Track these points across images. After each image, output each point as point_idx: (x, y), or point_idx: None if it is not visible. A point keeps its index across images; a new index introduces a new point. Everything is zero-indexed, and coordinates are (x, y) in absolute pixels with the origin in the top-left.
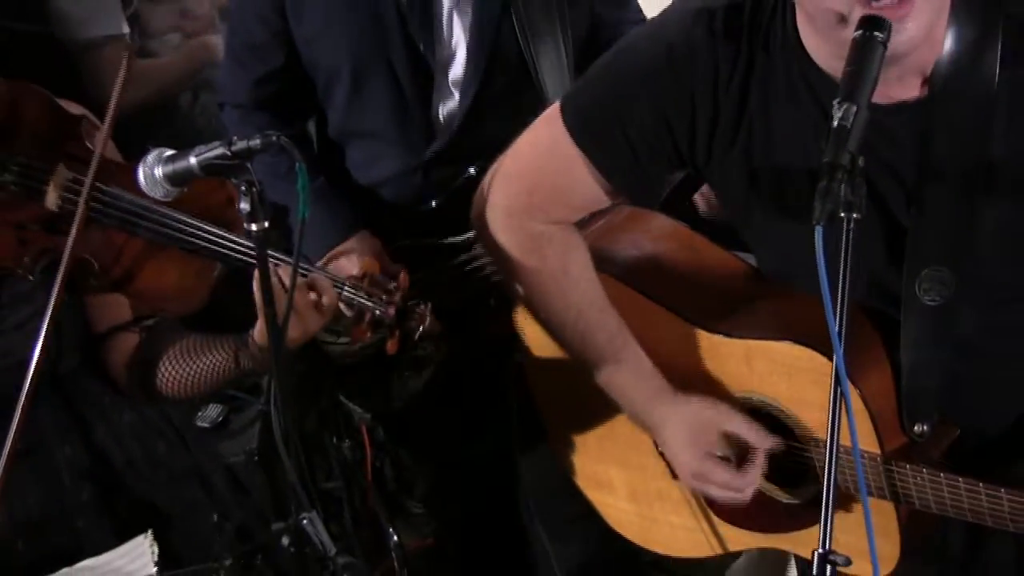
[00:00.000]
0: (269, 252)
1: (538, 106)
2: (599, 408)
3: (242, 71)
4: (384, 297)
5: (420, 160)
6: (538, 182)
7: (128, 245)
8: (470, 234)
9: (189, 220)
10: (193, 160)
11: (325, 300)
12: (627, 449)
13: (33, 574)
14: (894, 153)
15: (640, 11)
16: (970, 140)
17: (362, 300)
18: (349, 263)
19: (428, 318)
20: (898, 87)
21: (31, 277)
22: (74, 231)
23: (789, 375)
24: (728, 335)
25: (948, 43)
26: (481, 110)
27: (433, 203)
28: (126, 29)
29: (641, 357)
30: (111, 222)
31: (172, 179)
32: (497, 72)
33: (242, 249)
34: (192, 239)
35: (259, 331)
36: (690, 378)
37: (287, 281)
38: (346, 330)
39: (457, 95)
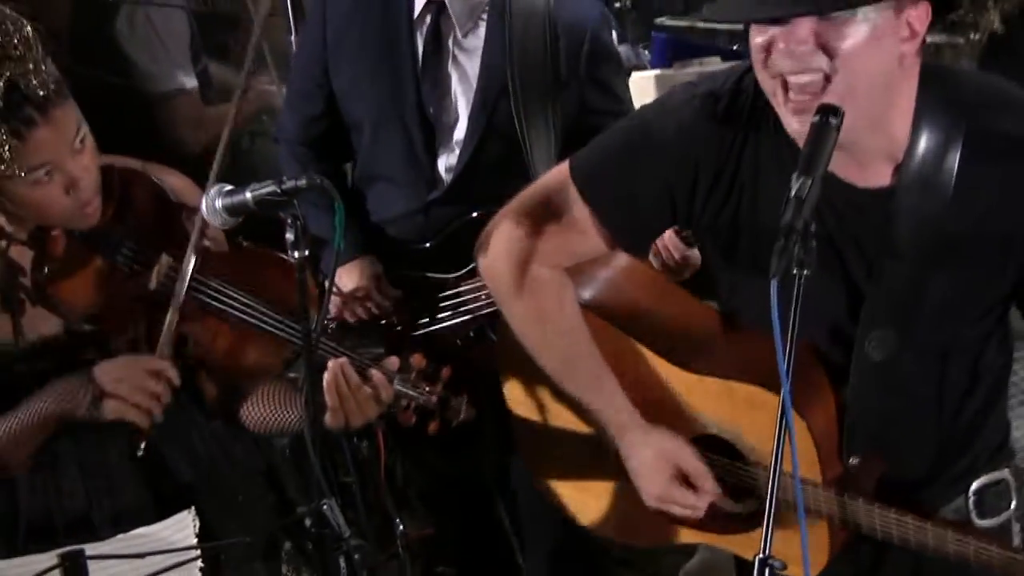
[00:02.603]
0: (334, 346)
1: (526, 171)
2: (566, 419)
3: (293, 113)
4: (428, 388)
5: (423, 203)
6: (542, 230)
7: (217, 327)
8: (459, 273)
9: (267, 307)
10: (248, 195)
11: (383, 394)
12: (590, 455)
13: (101, 536)
14: (862, 229)
15: (628, 102)
16: (927, 227)
17: (409, 392)
18: (349, 278)
19: (464, 409)
20: (872, 174)
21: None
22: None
23: (748, 410)
24: (695, 371)
25: (916, 143)
26: (475, 167)
27: (428, 244)
28: (194, 83)
29: (617, 388)
30: (203, 305)
31: (229, 210)
32: (491, 139)
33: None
34: (268, 325)
35: (329, 418)
36: (658, 407)
37: (351, 377)
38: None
39: (457, 152)
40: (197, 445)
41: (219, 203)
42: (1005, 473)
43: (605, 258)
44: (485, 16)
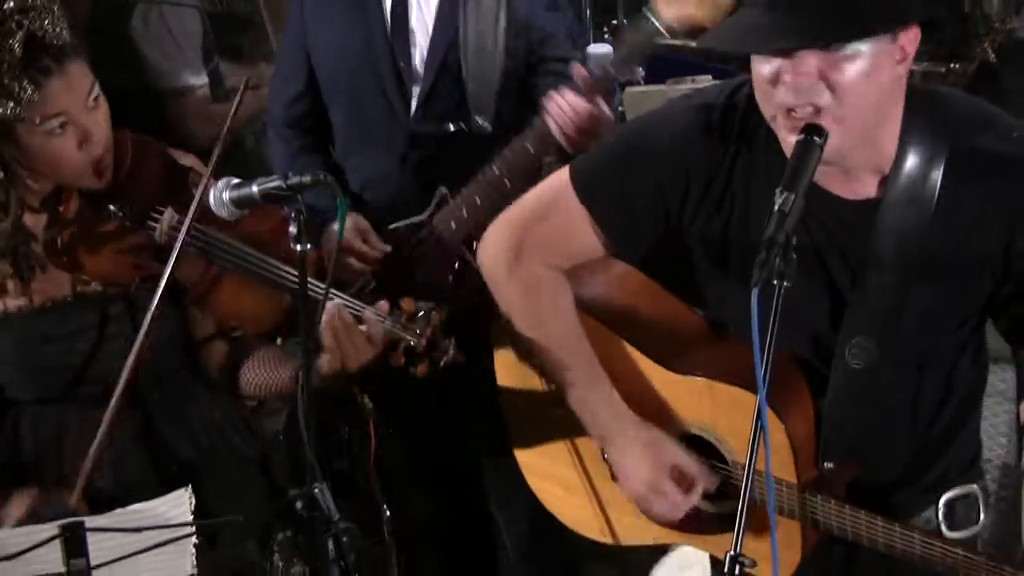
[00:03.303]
0: (332, 291)
1: None
2: (556, 418)
3: (276, 97)
4: (417, 331)
5: (398, 157)
6: (542, 231)
7: (214, 274)
8: (429, 210)
9: (263, 257)
10: (255, 188)
11: (375, 334)
12: (577, 454)
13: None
14: (847, 240)
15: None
16: (910, 239)
17: (399, 333)
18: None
19: (452, 351)
20: (859, 186)
21: (139, 292)
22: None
23: (728, 411)
24: (680, 372)
25: (903, 158)
26: (432, 102)
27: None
28: (204, 80)
29: (610, 385)
30: (202, 254)
31: (236, 202)
32: (444, 78)
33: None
34: (265, 272)
35: (323, 364)
36: (644, 404)
37: (345, 318)
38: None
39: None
40: (197, 430)
41: (226, 195)
42: (975, 488)
43: (599, 262)
44: None
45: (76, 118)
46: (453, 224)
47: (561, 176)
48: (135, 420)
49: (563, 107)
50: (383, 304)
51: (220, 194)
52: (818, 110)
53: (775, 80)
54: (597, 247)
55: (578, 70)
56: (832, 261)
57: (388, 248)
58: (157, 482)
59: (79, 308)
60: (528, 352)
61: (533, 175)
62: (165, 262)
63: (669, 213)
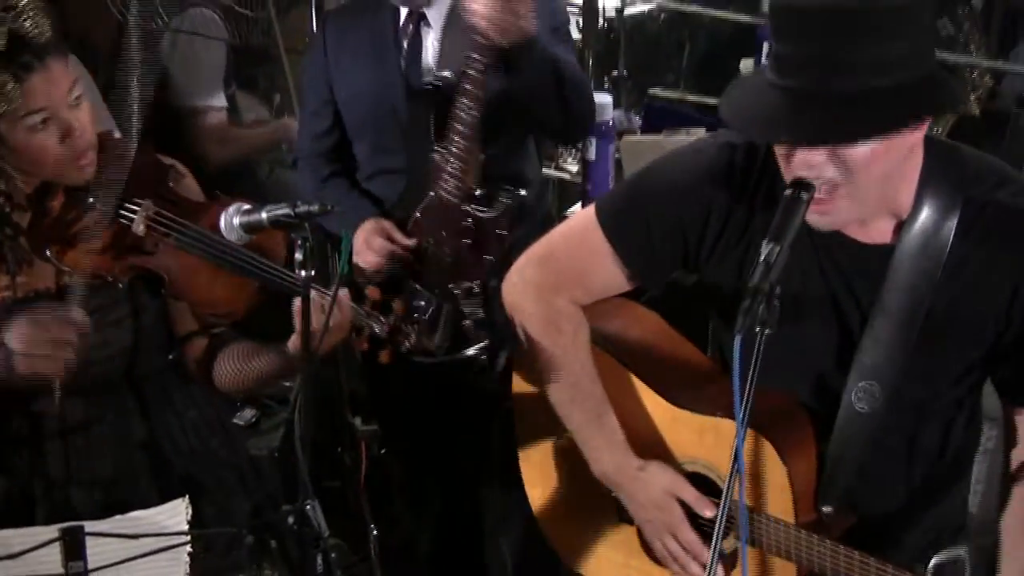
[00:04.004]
0: (293, 278)
1: None
2: (570, 461)
3: (305, 131)
4: (383, 319)
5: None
6: (567, 266)
7: (190, 264)
8: None
9: (235, 247)
10: (264, 215)
11: (340, 319)
12: (585, 494)
13: (96, 517)
14: (860, 283)
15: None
16: (920, 287)
17: (364, 319)
18: (361, 238)
19: (414, 337)
20: (875, 232)
21: (120, 285)
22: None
23: (729, 448)
24: (686, 408)
25: (919, 208)
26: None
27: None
28: (224, 103)
29: (616, 425)
30: (181, 245)
31: (245, 227)
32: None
33: (276, 272)
34: (237, 261)
35: (292, 343)
36: (650, 439)
37: (320, 302)
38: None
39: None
40: (175, 431)
41: (236, 220)
42: (962, 553)
43: (616, 304)
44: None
45: (58, 113)
46: (451, 182)
47: (587, 213)
48: (113, 418)
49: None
50: (345, 292)
51: (231, 219)
52: (832, 186)
53: (787, 156)
54: (620, 281)
55: None
56: (845, 305)
57: (412, 242)
58: (135, 480)
59: (62, 300)
60: (541, 384)
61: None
62: (145, 254)
63: (688, 247)
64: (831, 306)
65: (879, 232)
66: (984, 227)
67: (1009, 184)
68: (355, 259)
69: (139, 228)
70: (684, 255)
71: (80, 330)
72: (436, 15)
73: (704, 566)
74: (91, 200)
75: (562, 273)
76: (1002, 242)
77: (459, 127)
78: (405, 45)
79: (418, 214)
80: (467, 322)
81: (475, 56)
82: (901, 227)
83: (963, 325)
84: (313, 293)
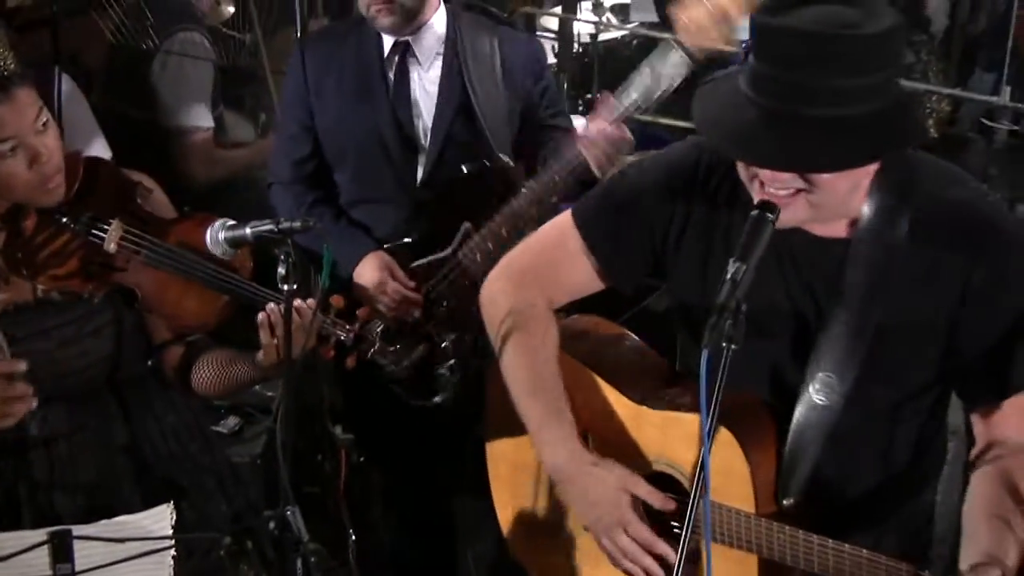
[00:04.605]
0: (262, 290)
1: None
2: (537, 476)
3: (284, 157)
4: (347, 326)
5: (405, 215)
6: (542, 263)
7: (161, 279)
8: (453, 245)
9: (203, 261)
10: (248, 231)
11: (305, 328)
12: (552, 508)
13: (79, 521)
14: (815, 277)
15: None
16: (874, 277)
17: (330, 328)
18: (364, 274)
19: (378, 343)
20: (830, 228)
21: (95, 301)
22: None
23: (692, 443)
24: (649, 406)
25: (870, 202)
26: (440, 166)
27: (410, 239)
28: (211, 124)
29: (573, 424)
30: (151, 261)
31: (230, 242)
32: (451, 145)
33: (244, 286)
34: (206, 275)
35: (261, 358)
36: (615, 438)
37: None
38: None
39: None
40: (154, 436)
41: (221, 235)
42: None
43: (583, 320)
44: (442, 50)
45: (25, 141)
46: (479, 256)
47: (564, 216)
48: (95, 423)
49: (595, 135)
50: (310, 301)
51: (216, 234)
52: (795, 191)
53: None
54: (594, 280)
55: (605, 97)
56: (801, 300)
57: (412, 284)
58: (117, 484)
59: (40, 313)
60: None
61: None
62: (115, 271)
63: (655, 242)
64: (788, 301)
65: (834, 228)
66: (935, 225)
67: (959, 185)
68: (372, 299)
69: (110, 246)
70: (652, 250)
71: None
72: (423, 47)
73: (656, 557)
74: (63, 220)
75: (539, 273)
76: (952, 240)
77: (512, 218)
78: (391, 77)
79: (426, 263)
80: (442, 370)
81: (566, 177)
82: (855, 223)
83: (917, 320)
84: (273, 304)
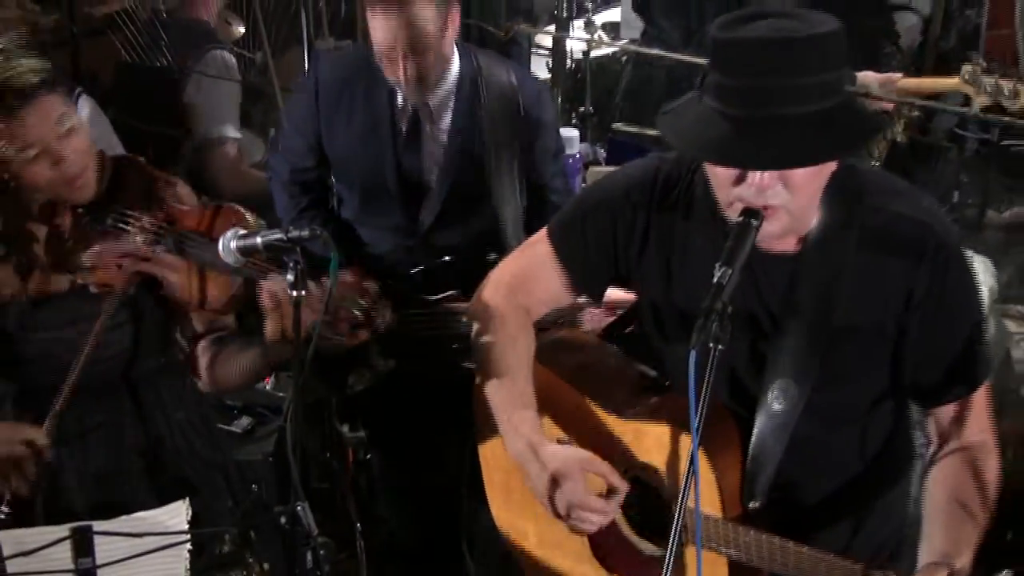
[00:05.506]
0: (272, 268)
1: (486, 218)
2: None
3: (286, 162)
4: (359, 300)
5: (408, 245)
6: (519, 272)
7: (182, 266)
8: (436, 297)
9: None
10: (258, 239)
11: (313, 300)
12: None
13: (96, 517)
14: (769, 288)
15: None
16: (824, 289)
17: (340, 304)
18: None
19: (389, 315)
20: (781, 243)
21: (129, 293)
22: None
23: (664, 450)
24: (623, 417)
25: (819, 217)
26: (444, 216)
27: (412, 271)
28: (239, 136)
29: (536, 416)
30: (173, 249)
31: (242, 250)
32: (456, 195)
33: (254, 267)
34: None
35: (267, 331)
36: (592, 446)
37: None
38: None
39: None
40: (162, 432)
41: (234, 244)
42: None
43: (561, 332)
44: (452, 103)
45: (49, 146)
46: (449, 320)
47: (543, 230)
48: (104, 420)
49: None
50: (324, 280)
51: (228, 243)
52: (772, 206)
53: (739, 180)
54: (564, 290)
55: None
56: (757, 307)
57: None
58: (129, 478)
59: (73, 301)
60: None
61: None
62: (142, 260)
63: (618, 252)
64: (745, 312)
65: (784, 244)
66: (880, 236)
67: (903, 197)
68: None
69: (136, 237)
70: (615, 260)
71: (37, 450)
72: (437, 102)
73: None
74: (87, 218)
75: (519, 285)
76: (896, 249)
77: None
78: (403, 130)
79: (407, 291)
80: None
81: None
82: (805, 239)
83: (867, 328)
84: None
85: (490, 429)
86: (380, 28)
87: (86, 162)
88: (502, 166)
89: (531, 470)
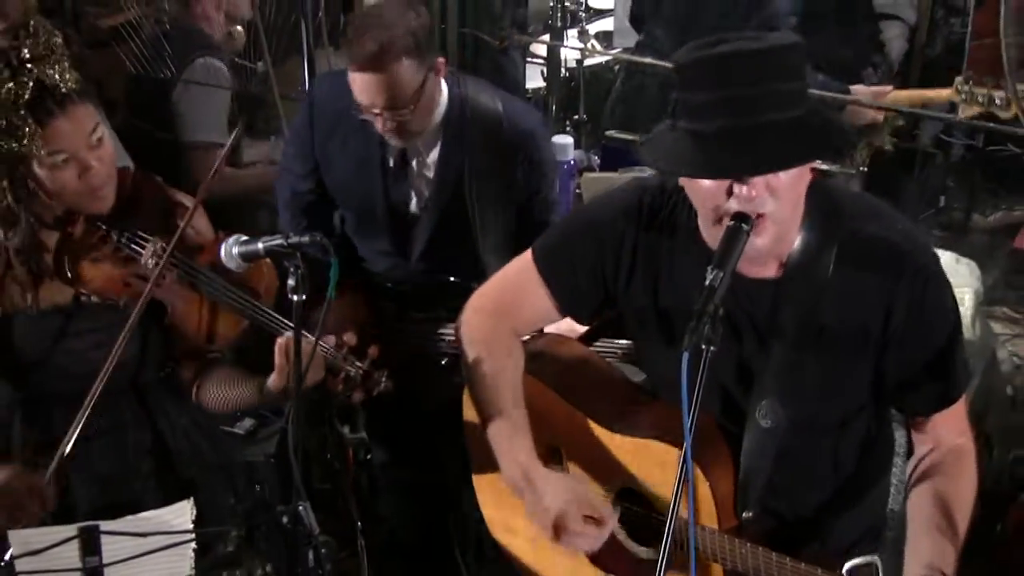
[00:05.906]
0: (282, 320)
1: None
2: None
3: (286, 184)
4: (357, 363)
5: (402, 269)
6: (503, 297)
7: (190, 298)
8: (423, 315)
9: (231, 287)
10: (260, 245)
11: (317, 360)
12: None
13: (104, 517)
14: (755, 312)
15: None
16: (806, 312)
17: (341, 363)
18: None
19: (384, 381)
20: (762, 268)
21: (129, 309)
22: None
23: (658, 466)
24: (618, 433)
25: (799, 242)
26: (432, 244)
27: (404, 289)
28: (228, 142)
29: (528, 438)
30: (182, 279)
31: (243, 256)
32: (444, 224)
33: (265, 314)
34: (231, 300)
35: (272, 381)
36: (583, 459)
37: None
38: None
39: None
40: (167, 436)
41: (235, 249)
42: (875, 559)
43: (548, 340)
44: (441, 137)
45: (77, 154)
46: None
47: (527, 253)
48: (110, 424)
49: None
50: (330, 338)
51: (230, 248)
52: (761, 215)
53: (728, 192)
54: (551, 313)
55: None
56: (746, 332)
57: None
58: (128, 478)
59: (77, 316)
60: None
61: None
62: (151, 284)
63: (607, 277)
64: (734, 334)
65: (765, 269)
66: (859, 257)
67: (879, 218)
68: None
69: (148, 261)
70: (604, 284)
71: (44, 501)
72: (425, 141)
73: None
74: (105, 229)
75: (505, 306)
76: (874, 270)
77: None
78: (391, 163)
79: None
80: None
81: None
82: (785, 264)
83: (849, 347)
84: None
85: (479, 447)
86: (359, 88)
87: (111, 173)
88: (485, 197)
89: (527, 498)
